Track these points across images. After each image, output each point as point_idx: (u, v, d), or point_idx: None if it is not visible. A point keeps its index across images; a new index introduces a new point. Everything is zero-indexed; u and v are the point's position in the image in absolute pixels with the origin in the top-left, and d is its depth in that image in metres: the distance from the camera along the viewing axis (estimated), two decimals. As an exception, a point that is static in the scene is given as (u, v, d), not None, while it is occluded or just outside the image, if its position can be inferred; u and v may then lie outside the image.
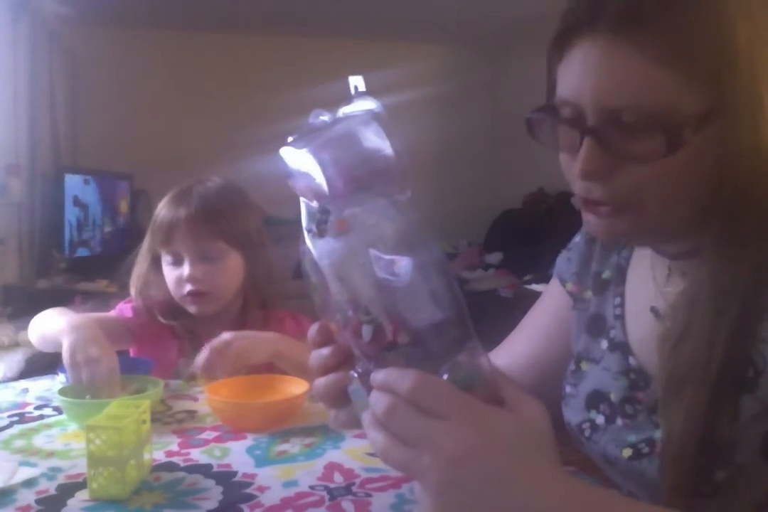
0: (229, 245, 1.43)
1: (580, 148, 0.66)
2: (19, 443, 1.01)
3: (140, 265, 1.48)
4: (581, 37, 0.65)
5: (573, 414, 0.84)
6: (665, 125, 0.62)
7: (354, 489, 0.85)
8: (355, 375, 0.57)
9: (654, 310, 0.78)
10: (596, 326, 0.85)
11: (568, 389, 0.86)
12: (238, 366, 1.22)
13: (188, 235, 1.40)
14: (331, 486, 0.86)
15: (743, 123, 0.62)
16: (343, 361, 0.61)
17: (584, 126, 0.66)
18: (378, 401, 0.52)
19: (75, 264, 3.61)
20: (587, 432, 0.80)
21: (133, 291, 1.49)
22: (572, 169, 0.68)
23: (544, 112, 0.71)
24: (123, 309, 1.50)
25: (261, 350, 1.26)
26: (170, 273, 1.43)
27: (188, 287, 1.41)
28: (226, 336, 1.23)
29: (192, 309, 1.44)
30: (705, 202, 0.66)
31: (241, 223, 1.45)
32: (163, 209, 1.44)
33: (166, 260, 1.44)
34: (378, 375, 0.53)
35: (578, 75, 0.66)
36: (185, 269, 1.40)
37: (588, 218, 0.73)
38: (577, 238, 0.94)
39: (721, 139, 0.63)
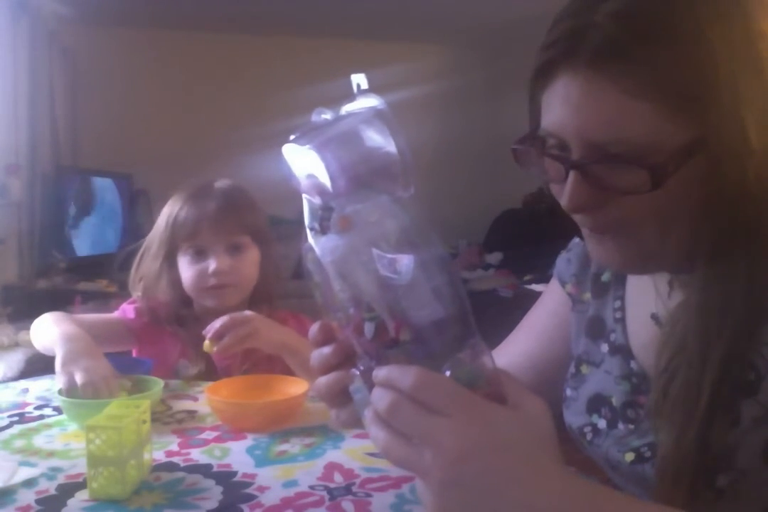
0: (252, 239, 1.46)
1: (566, 181, 0.66)
2: (19, 443, 1.01)
3: (149, 265, 1.48)
4: (561, 71, 0.64)
5: (574, 417, 0.83)
6: (649, 159, 0.61)
7: (354, 489, 0.85)
8: (357, 373, 0.57)
9: (654, 317, 0.78)
10: (596, 329, 0.85)
11: (568, 392, 0.86)
12: (246, 343, 1.26)
13: (217, 228, 1.42)
14: (331, 486, 0.86)
15: (729, 153, 0.61)
16: (344, 360, 0.61)
17: (569, 160, 0.65)
18: (380, 398, 0.52)
19: (75, 264, 3.60)
20: (589, 436, 0.80)
21: (137, 291, 1.49)
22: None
23: (530, 142, 0.70)
24: (125, 310, 1.50)
25: (273, 336, 1.30)
26: (190, 268, 1.44)
27: (212, 280, 1.42)
28: (248, 312, 1.31)
29: (212, 302, 1.44)
30: (697, 224, 0.65)
31: (259, 218, 1.50)
32: (184, 206, 1.45)
33: (185, 256, 1.45)
34: (380, 372, 0.53)
35: (561, 109, 0.65)
36: (211, 263, 1.41)
37: (590, 246, 0.73)
38: (577, 239, 0.94)
39: (708, 168, 0.62)
